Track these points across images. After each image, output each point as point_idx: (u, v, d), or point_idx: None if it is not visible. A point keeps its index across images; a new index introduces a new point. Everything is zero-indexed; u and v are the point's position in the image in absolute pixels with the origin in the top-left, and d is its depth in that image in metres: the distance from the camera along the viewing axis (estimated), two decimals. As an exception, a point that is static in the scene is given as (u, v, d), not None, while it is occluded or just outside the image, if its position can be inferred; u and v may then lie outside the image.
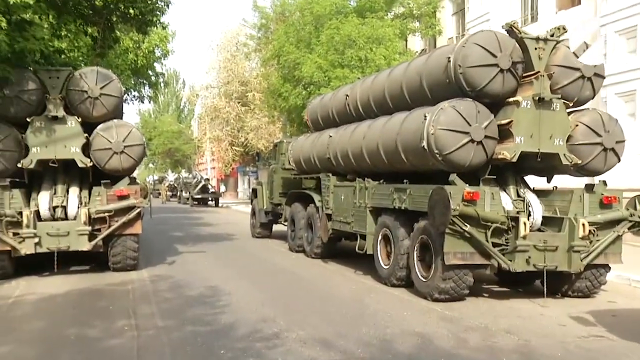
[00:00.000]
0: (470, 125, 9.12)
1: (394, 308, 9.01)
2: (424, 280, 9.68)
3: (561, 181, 10.43)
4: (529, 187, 10.19)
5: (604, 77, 9.87)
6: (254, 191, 20.66)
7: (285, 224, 17.75)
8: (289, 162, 16.61)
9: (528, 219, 9.27)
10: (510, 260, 9.07)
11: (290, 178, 17.25)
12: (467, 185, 9.18)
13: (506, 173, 9.98)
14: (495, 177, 9.56)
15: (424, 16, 26.87)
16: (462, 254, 9.06)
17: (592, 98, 9.93)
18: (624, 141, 9.92)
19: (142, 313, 8.64)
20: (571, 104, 9.64)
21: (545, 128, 9.40)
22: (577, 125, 9.64)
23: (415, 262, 9.96)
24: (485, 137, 9.19)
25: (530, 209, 9.71)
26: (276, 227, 20.08)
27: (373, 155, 11.45)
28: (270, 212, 19.11)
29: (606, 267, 9.96)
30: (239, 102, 42.45)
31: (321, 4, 25.07)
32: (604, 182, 9.87)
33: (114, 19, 12.88)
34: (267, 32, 32.83)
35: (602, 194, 9.73)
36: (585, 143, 9.65)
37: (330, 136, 13.53)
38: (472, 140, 9.12)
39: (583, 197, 9.61)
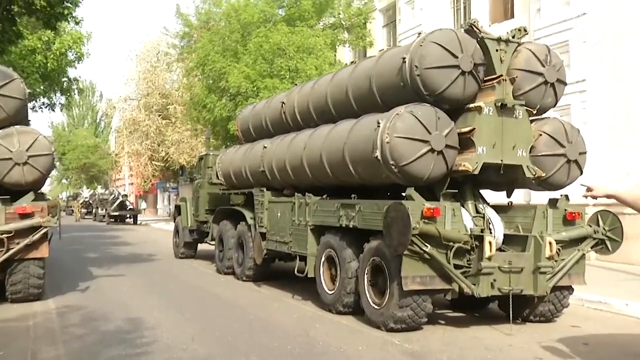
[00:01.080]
0: (430, 133, 8.14)
1: (346, 341, 7.86)
2: (376, 307, 8.58)
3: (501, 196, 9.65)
4: (487, 203, 9.31)
5: (566, 84, 9.14)
6: (177, 208, 19.16)
7: (213, 243, 16.39)
8: (217, 176, 15.27)
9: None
10: (474, 284, 8.11)
11: (218, 193, 15.91)
12: (425, 200, 8.20)
13: (464, 187, 9.05)
14: (456, 191, 8.62)
15: (354, 27, 26.11)
16: (421, 278, 8.03)
17: (554, 105, 9.19)
18: (585, 152, 9.22)
19: (45, 358, 7.13)
20: (534, 112, 8.85)
21: (508, 137, 8.55)
22: (540, 135, 8.85)
23: (365, 287, 8.87)
24: (446, 146, 8.23)
25: (491, 226, 8.80)
26: (202, 247, 18.64)
27: (315, 168, 10.33)
28: (196, 231, 17.69)
29: (570, 289, 9.17)
30: (159, 115, 40.64)
31: (249, 12, 23.88)
32: (567, 197, 9.11)
33: (15, 9, 11.16)
34: (190, 41, 31.29)
35: (565, 210, 8.96)
36: (548, 154, 8.87)
37: (265, 147, 12.33)
38: (432, 150, 8.14)
39: (547, 213, 8.80)
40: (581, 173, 9.16)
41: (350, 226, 9.19)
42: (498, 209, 9.19)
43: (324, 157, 9.89)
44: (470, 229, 8.32)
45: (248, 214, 13.32)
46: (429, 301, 8.26)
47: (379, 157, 8.35)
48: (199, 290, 12.28)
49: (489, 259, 8.03)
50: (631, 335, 8.49)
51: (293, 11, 24.67)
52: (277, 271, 13.67)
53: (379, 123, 8.40)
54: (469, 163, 8.33)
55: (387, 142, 8.18)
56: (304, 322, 9.13)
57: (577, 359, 7.13)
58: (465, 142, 8.43)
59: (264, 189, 12.41)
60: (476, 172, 8.36)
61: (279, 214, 11.72)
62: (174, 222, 19.39)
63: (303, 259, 10.77)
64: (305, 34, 22.76)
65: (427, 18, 22.48)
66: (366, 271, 8.87)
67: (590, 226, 9.03)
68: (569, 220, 8.94)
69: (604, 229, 8.98)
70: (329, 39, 23.98)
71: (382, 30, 26.71)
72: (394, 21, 25.51)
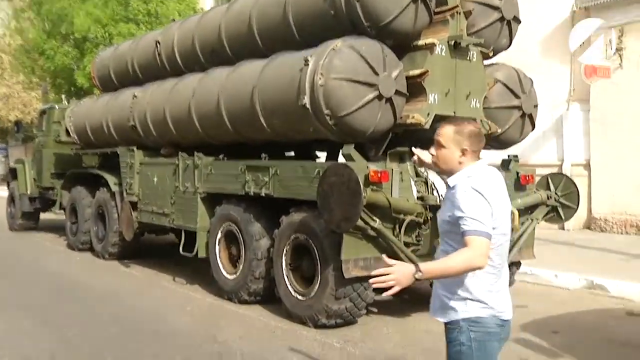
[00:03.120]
0: (377, 75, 6.28)
1: (269, 346, 5.93)
2: (301, 298, 6.71)
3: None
4: (425, 164, 7.69)
5: (520, 22, 7.66)
6: (12, 172, 15.87)
7: (58, 212, 13.62)
8: (68, 133, 12.47)
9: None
10: (428, 266, 6.48)
11: (68, 154, 13.09)
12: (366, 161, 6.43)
13: (402, 145, 7.34)
14: (407, 149, 6.90)
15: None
16: (364, 261, 6.26)
17: (507, 48, 7.69)
18: (537, 105, 7.86)
19: None
20: (490, 54, 7.31)
21: (461, 84, 6.92)
22: (494, 83, 7.34)
23: (284, 273, 6.96)
24: (396, 92, 6.44)
25: (435, 193, 7.20)
26: (45, 216, 15.63)
27: (208, 120, 8.14)
28: (37, 199, 14.67)
29: (518, 265, 7.91)
30: (-19, 66, 35.25)
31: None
32: (516, 157, 7.74)
33: None
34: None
35: (517, 173, 7.59)
36: (502, 106, 7.39)
37: (135, 96, 9.85)
38: (379, 97, 6.30)
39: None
40: (533, 128, 7.80)
41: (262, 194, 7.19)
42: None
43: (223, 107, 7.73)
44: (422, 197, 6.65)
45: (111, 179, 10.82)
46: (370, 288, 6.51)
47: (308, 105, 6.39)
48: (49, 274, 9.66)
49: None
50: (589, 313, 7.36)
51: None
52: (146, 246, 11.30)
53: (307, 61, 6.40)
54: (420, 114, 6.61)
55: (321, 86, 6.23)
56: (203, 318, 7.06)
57: (565, 356, 5.75)
58: (414, 89, 6.68)
59: (134, 148, 9.99)
60: (427, 126, 6.67)
61: (155, 179, 9.40)
62: (8, 189, 16.12)
63: (191, 234, 8.63)
64: (165, -28, 19.94)
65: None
66: (284, 252, 6.95)
67: (538, 191, 7.75)
68: (521, 185, 7.59)
69: (556, 194, 7.73)
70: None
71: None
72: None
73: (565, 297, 8.20)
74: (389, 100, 6.38)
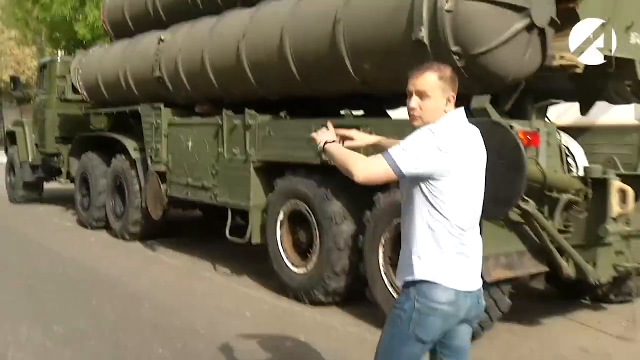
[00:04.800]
0: (529, -5, 4.45)
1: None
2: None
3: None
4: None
5: None
6: (11, 136, 14.02)
7: (63, 181, 11.90)
8: (75, 90, 10.63)
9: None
10: (589, 262, 4.74)
11: (77, 115, 11.24)
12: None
13: (526, 100, 5.51)
14: (552, 102, 5.12)
15: None
16: (507, 257, 4.54)
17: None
18: None
19: None
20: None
21: (621, 14, 5.10)
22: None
23: (382, 270, 5.23)
24: (551, 21, 4.60)
25: (570, 160, 5.43)
26: (49, 186, 13.86)
27: (266, 68, 6.30)
28: (41, 167, 12.87)
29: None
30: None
31: None
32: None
33: None
34: None
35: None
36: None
37: (162, 40, 7.96)
38: (530, 26, 4.47)
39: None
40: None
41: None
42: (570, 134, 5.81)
43: (288, 50, 5.88)
44: (584, 169, 4.88)
45: (131, 144, 9.02)
46: (508, 293, 4.80)
47: (425, 40, 4.58)
48: (61, 261, 7.90)
49: (617, 219, 4.67)
50: None
51: None
52: (171, 223, 9.53)
53: (424, -22, 4.56)
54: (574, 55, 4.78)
55: (448, 12, 4.41)
56: (283, 330, 5.30)
57: None
58: (565, 20, 4.84)
59: (161, 106, 8.15)
60: (581, 70, 4.85)
61: (190, 144, 7.59)
62: (7, 155, 14.30)
63: (243, 214, 6.88)
64: None
65: None
66: (383, 241, 5.21)
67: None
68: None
69: None
70: None
71: None
72: None
73: None
74: (542, 32, 4.54)
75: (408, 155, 2.37)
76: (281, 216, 6.26)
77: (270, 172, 6.47)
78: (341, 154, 2.56)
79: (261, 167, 6.53)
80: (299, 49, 5.77)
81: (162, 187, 8.03)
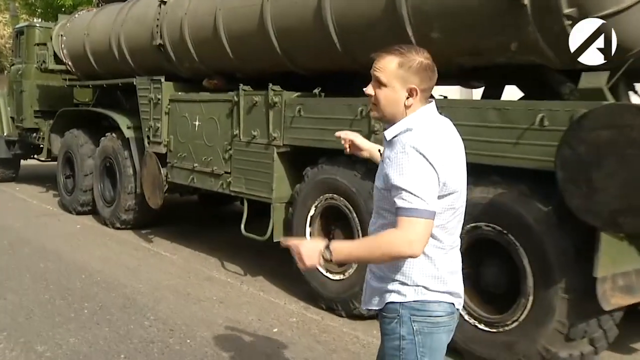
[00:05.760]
0: None
1: None
2: (486, 329, 4.05)
3: None
4: None
5: None
6: (-17, 108, 12.78)
7: (43, 159, 10.82)
8: (58, 59, 9.48)
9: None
10: None
11: (59, 87, 10.13)
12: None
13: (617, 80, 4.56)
14: None
15: None
16: (625, 278, 3.63)
17: None
18: None
19: None
20: None
21: None
22: None
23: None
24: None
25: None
26: (27, 163, 12.71)
27: (298, 34, 5.28)
28: (17, 142, 11.70)
29: None
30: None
31: None
32: None
33: None
34: None
35: None
36: None
37: (164, 2, 6.87)
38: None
39: None
40: None
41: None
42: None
43: (329, 10, 4.86)
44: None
45: (123, 121, 7.94)
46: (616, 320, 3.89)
47: (526, 1, 3.61)
48: (42, 254, 6.85)
49: None
50: None
51: None
52: (167, 210, 8.47)
53: None
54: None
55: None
56: (322, 351, 4.36)
57: None
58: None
59: (161, 78, 7.08)
60: None
61: (196, 123, 6.55)
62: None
63: (261, 206, 5.88)
64: None
65: None
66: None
67: None
68: None
69: None
70: None
71: None
72: None
73: None
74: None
75: (423, 195, 1.98)
76: (312, 211, 5.29)
77: (298, 158, 5.49)
78: (369, 248, 2.09)
79: (287, 152, 5.54)
80: (344, 10, 4.76)
81: (161, 171, 6.99)
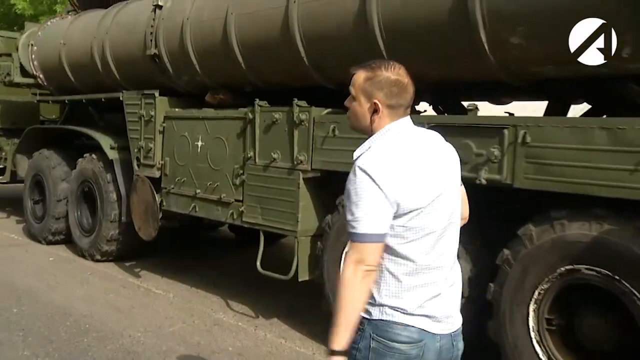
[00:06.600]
0: None
1: None
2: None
3: None
4: None
5: None
6: None
7: (4, 182, 9.81)
8: (25, 72, 8.53)
9: None
10: None
11: (28, 102, 9.16)
12: None
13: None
14: None
15: None
16: None
17: None
18: None
19: None
20: None
21: None
22: None
23: (532, 334, 3.59)
24: None
25: None
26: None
27: (332, 40, 4.56)
28: (-25, 164, 10.61)
29: None
30: None
31: None
32: None
33: None
34: None
35: None
36: None
37: (160, 6, 6.07)
38: None
39: None
40: None
41: (481, 181, 3.71)
42: None
43: (375, 11, 4.16)
44: None
45: (106, 141, 7.05)
46: None
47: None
48: (14, 295, 5.91)
49: None
50: None
51: None
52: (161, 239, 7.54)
53: None
54: None
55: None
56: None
57: None
58: None
59: (155, 92, 6.25)
60: None
61: (198, 143, 5.74)
62: None
63: (273, 237, 5.12)
64: None
65: None
66: (536, 295, 3.57)
67: None
68: None
69: None
70: None
71: None
72: None
73: None
74: None
75: (363, 217, 1.97)
76: (348, 247, 4.53)
77: (327, 184, 4.75)
78: (341, 310, 2.01)
79: (315, 178, 4.79)
80: (395, 11, 4.06)
81: (155, 197, 6.14)
